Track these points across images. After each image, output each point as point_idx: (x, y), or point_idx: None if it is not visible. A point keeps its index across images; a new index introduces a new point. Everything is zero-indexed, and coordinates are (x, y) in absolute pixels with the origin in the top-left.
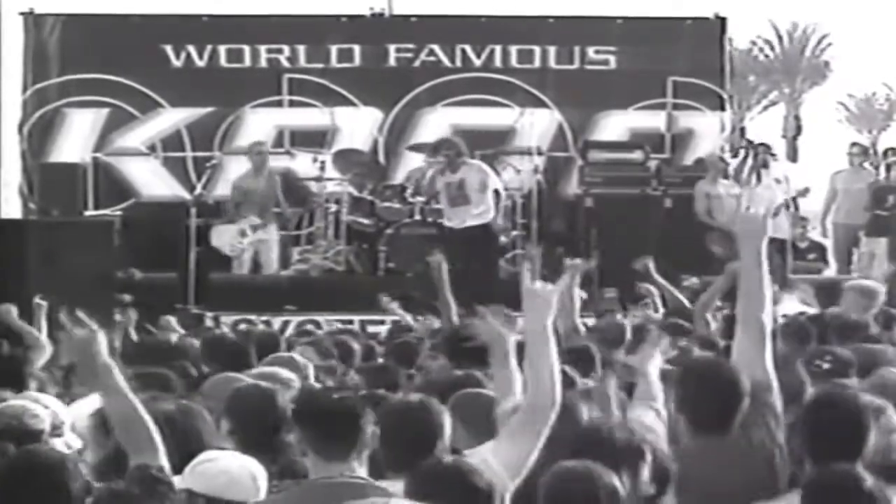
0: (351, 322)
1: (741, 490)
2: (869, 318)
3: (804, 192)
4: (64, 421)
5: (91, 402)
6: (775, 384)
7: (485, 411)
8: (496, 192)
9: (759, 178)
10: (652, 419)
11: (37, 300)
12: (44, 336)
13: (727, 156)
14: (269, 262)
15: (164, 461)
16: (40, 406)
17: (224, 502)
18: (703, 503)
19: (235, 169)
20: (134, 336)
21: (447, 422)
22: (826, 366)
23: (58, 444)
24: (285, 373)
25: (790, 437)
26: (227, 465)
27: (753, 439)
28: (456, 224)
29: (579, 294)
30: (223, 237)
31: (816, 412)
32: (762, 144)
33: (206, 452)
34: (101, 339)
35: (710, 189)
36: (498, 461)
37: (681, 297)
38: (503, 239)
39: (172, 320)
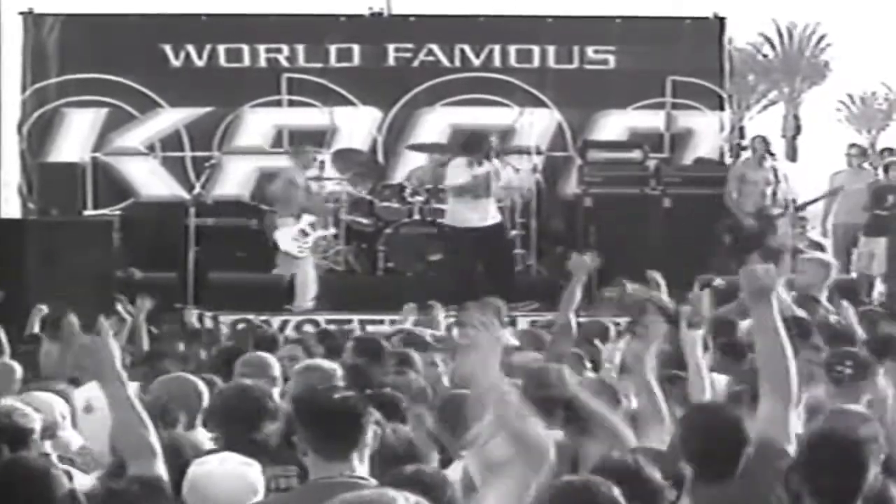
0: (350, 322)
1: None
2: (825, 288)
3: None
4: (58, 420)
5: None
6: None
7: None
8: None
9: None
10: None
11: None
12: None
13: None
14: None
15: (162, 470)
16: (32, 407)
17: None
18: None
19: (235, 168)
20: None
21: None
22: (848, 371)
23: (47, 446)
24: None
25: (788, 474)
26: (222, 473)
27: (759, 493)
28: (476, 222)
29: (577, 295)
30: (287, 240)
31: (815, 451)
32: (760, 137)
33: (198, 461)
34: (112, 345)
35: (746, 172)
36: None
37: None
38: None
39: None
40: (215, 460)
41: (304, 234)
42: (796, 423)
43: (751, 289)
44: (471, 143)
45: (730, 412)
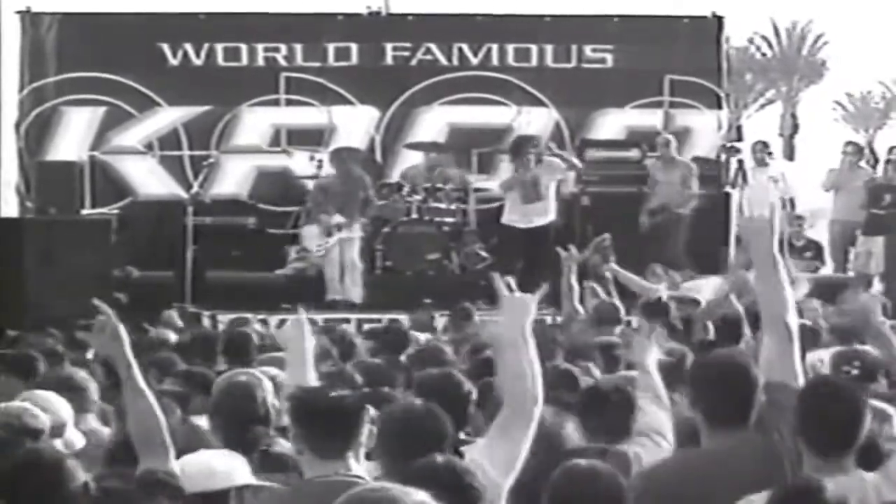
0: (348, 321)
1: (762, 485)
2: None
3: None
4: (66, 421)
5: None
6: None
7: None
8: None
9: (745, 180)
10: (654, 412)
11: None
12: None
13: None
14: (351, 259)
15: (174, 465)
16: (39, 407)
17: (215, 493)
18: (728, 499)
19: (233, 167)
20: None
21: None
22: (855, 371)
23: (57, 444)
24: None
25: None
26: (205, 460)
27: (772, 438)
28: (523, 223)
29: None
30: (312, 238)
31: (812, 400)
32: (761, 142)
33: (183, 458)
34: (125, 335)
35: (656, 173)
36: (488, 461)
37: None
38: None
39: (174, 314)
40: (199, 453)
41: (329, 233)
42: (799, 361)
43: (750, 232)
44: (513, 148)
45: (739, 359)
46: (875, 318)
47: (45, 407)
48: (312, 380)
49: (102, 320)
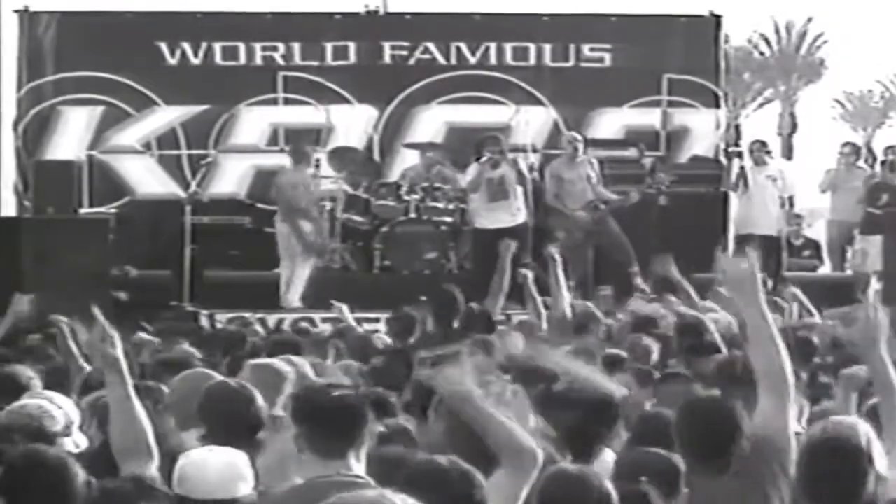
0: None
1: None
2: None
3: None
4: (73, 420)
5: None
6: (794, 446)
7: None
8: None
9: (745, 184)
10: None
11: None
12: None
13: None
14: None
15: (155, 471)
16: (55, 406)
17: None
18: None
19: (231, 167)
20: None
21: None
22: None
23: (67, 442)
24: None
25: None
26: (212, 464)
27: (756, 489)
28: (492, 224)
29: (563, 282)
30: (283, 236)
31: (814, 456)
32: (759, 141)
33: (187, 454)
34: (116, 341)
35: (562, 171)
36: None
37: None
38: None
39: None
40: (204, 450)
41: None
42: (794, 420)
43: (735, 284)
44: (477, 147)
45: (725, 403)
46: (880, 344)
47: (59, 407)
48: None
49: (98, 328)
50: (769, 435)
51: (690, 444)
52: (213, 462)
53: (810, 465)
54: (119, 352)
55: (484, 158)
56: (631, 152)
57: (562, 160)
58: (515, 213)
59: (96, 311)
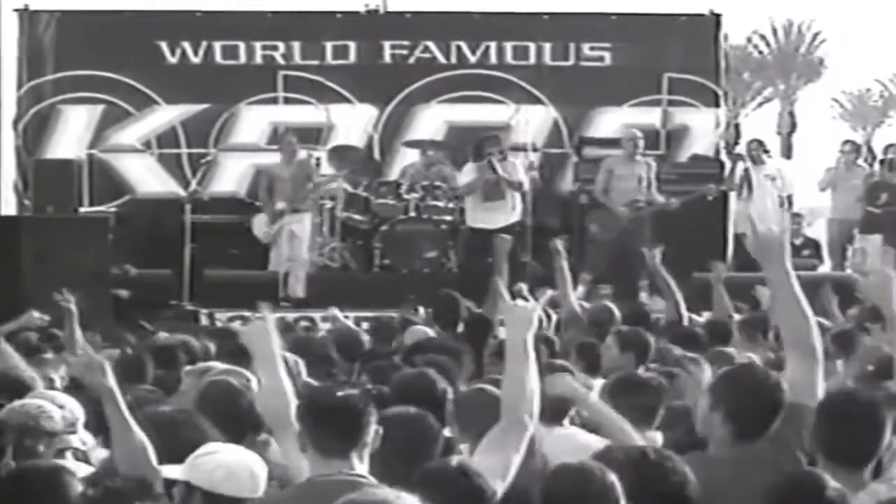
0: (346, 318)
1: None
2: None
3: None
4: (78, 418)
5: None
6: None
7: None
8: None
9: (749, 189)
10: None
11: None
12: None
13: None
14: (298, 249)
15: (160, 488)
16: (55, 405)
17: (221, 497)
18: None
19: (231, 165)
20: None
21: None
22: (870, 367)
23: (73, 440)
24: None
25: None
26: (226, 459)
27: (785, 453)
28: (488, 224)
29: (568, 275)
30: (260, 226)
31: (833, 412)
32: (756, 141)
33: (207, 445)
34: (107, 365)
35: (615, 167)
36: (482, 468)
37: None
38: None
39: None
40: (230, 449)
41: (274, 219)
42: (822, 384)
43: (764, 254)
44: (476, 148)
45: (770, 374)
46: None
47: (62, 403)
48: (285, 379)
49: (86, 356)
50: (799, 402)
51: (732, 411)
52: (227, 454)
53: (827, 419)
54: (110, 379)
55: (483, 162)
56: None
57: (619, 157)
58: (510, 212)
59: (84, 343)
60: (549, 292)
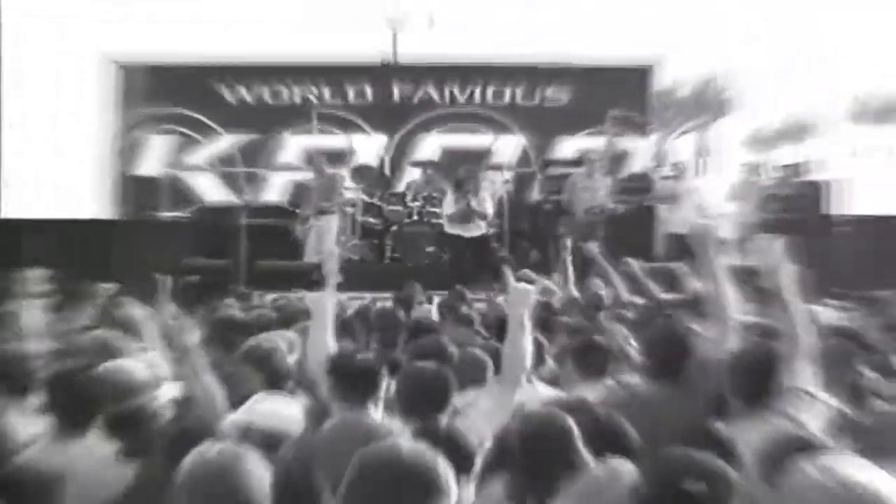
0: (363, 298)
1: (681, 425)
2: None
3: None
4: (166, 373)
5: None
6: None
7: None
8: (485, 217)
9: (675, 199)
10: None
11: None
12: None
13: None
14: (327, 244)
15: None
16: (143, 366)
17: (273, 432)
18: (656, 432)
19: (276, 181)
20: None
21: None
22: None
23: (161, 395)
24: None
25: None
26: (274, 403)
27: (696, 392)
28: (465, 233)
29: (570, 267)
30: (297, 227)
31: (741, 357)
32: (679, 162)
33: (259, 394)
34: (191, 328)
35: (577, 181)
36: (475, 408)
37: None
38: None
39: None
40: (275, 395)
41: (305, 221)
42: (733, 342)
43: (695, 240)
44: (456, 184)
45: (682, 327)
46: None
47: (150, 362)
48: (331, 340)
49: (175, 323)
50: (711, 356)
51: (652, 354)
52: (277, 400)
53: (737, 363)
54: (192, 340)
55: (461, 193)
56: (584, 170)
57: (582, 173)
58: (477, 229)
59: (173, 308)
60: (545, 281)
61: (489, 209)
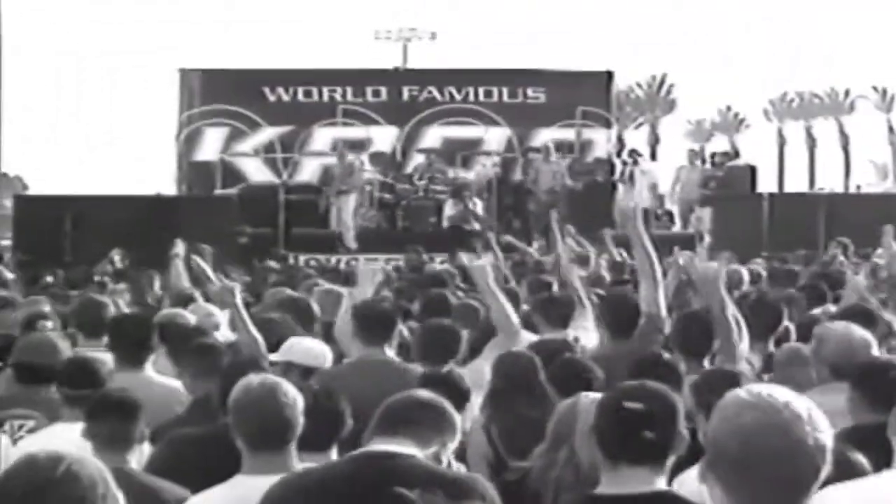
0: (377, 259)
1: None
2: None
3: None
4: (222, 322)
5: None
6: (664, 314)
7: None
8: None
9: (632, 180)
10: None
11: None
12: None
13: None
14: (345, 218)
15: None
16: (201, 311)
17: (308, 368)
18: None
19: (308, 164)
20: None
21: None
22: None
23: (219, 334)
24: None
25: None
26: (309, 343)
27: (645, 347)
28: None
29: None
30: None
31: (680, 322)
32: (634, 150)
33: (293, 338)
34: (236, 291)
35: (540, 167)
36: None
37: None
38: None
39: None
40: (307, 338)
41: (328, 199)
42: (664, 299)
43: (622, 217)
44: (452, 190)
45: (631, 295)
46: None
47: (208, 311)
48: (370, 294)
49: (222, 284)
50: (650, 312)
51: (609, 320)
52: (310, 341)
53: (676, 325)
54: (237, 298)
55: (458, 200)
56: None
57: (540, 159)
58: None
59: (219, 277)
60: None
61: (480, 212)
